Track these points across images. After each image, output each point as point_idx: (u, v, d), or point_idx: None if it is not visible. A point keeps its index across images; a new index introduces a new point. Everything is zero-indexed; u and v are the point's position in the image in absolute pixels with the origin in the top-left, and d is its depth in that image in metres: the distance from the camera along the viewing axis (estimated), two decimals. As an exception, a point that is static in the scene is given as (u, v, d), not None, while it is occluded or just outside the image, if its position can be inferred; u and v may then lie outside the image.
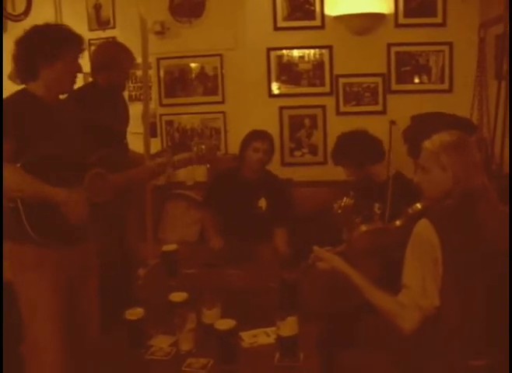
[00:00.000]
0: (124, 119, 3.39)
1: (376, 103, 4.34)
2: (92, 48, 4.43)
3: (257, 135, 3.69)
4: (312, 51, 4.35)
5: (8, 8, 4.61)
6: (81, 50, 2.37)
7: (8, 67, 4.22)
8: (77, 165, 2.33)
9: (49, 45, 2.24)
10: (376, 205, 3.12)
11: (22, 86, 2.37)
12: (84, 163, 2.36)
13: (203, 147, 3.03)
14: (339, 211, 2.89)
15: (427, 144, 1.98)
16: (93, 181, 2.34)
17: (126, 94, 3.63)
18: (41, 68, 2.26)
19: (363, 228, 2.41)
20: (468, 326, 1.84)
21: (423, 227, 1.85)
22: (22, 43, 2.28)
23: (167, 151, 3.57)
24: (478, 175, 1.92)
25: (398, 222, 2.26)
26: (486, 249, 1.85)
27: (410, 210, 2.19)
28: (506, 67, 3.67)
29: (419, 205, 2.17)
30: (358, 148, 3.33)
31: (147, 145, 3.25)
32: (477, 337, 1.84)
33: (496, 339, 1.84)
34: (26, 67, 2.29)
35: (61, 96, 2.53)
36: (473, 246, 1.84)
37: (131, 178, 2.67)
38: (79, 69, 2.39)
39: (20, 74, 2.33)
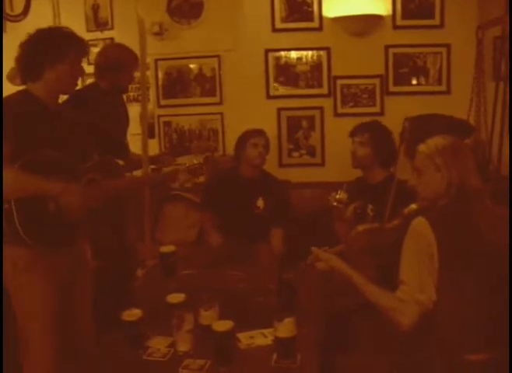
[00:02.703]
0: (125, 122, 3.39)
1: (374, 105, 4.34)
2: (91, 49, 4.43)
3: (253, 132, 3.76)
4: (310, 53, 4.35)
5: (7, 8, 4.61)
6: (84, 54, 2.42)
7: (6, 67, 4.23)
8: (73, 169, 2.33)
9: (54, 47, 2.29)
10: (370, 206, 3.12)
11: (21, 87, 2.38)
12: (80, 168, 2.36)
13: (195, 161, 3.06)
14: (334, 204, 2.89)
15: (422, 147, 2.04)
16: (88, 187, 2.35)
17: (124, 95, 3.62)
18: (45, 69, 2.30)
19: (360, 227, 2.43)
20: (464, 321, 1.86)
21: (419, 223, 1.89)
22: (26, 45, 2.31)
23: (167, 155, 3.59)
24: (472, 177, 1.98)
25: (394, 222, 2.29)
26: (480, 247, 1.88)
27: (406, 211, 2.23)
28: (504, 68, 3.68)
29: (414, 206, 2.21)
30: (390, 141, 3.30)
31: (145, 146, 3.24)
32: (473, 332, 1.86)
33: (493, 334, 1.86)
34: (30, 68, 2.32)
35: (60, 99, 2.55)
36: (467, 244, 1.88)
37: (125, 186, 2.68)
38: (82, 72, 2.44)
39: (23, 75, 2.35)
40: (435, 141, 2.02)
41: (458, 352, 1.85)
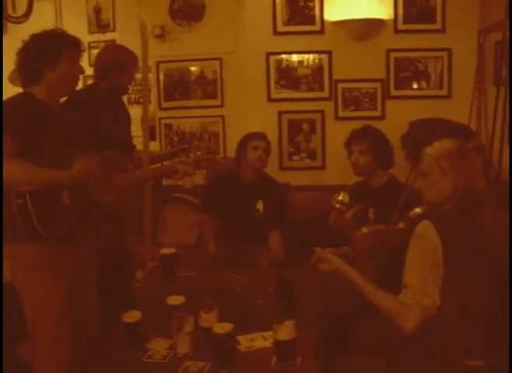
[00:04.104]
0: (125, 122, 3.38)
1: (375, 109, 4.34)
2: (92, 51, 4.44)
3: (254, 135, 3.74)
4: (311, 56, 4.35)
5: (9, 10, 4.62)
6: (80, 52, 2.45)
7: (7, 68, 4.23)
8: None
9: (51, 49, 2.32)
10: (371, 210, 3.11)
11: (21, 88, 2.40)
12: None
13: (199, 153, 3.05)
14: (337, 205, 2.89)
15: (428, 150, 2.02)
16: (98, 180, 2.36)
17: (125, 97, 3.62)
18: (45, 72, 2.33)
19: (365, 229, 2.40)
20: (467, 327, 1.85)
21: (425, 227, 1.88)
22: (24, 51, 2.35)
23: (181, 151, 3.58)
24: (478, 180, 1.96)
25: (400, 225, 2.28)
26: (485, 252, 1.87)
27: (411, 214, 2.22)
28: (504, 73, 3.69)
29: (418, 210, 2.19)
30: (387, 143, 3.31)
31: (146, 148, 3.24)
32: (475, 338, 1.85)
33: (495, 341, 1.85)
34: (30, 73, 2.35)
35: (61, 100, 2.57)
36: (473, 248, 1.86)
37: (130, 180, 2.69)
38: (81, 71, 2.47)
39: (24, 80, 2.37)
40: (441, 144, 2.00)
41: (460, 357, 1.84)
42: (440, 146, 2.00)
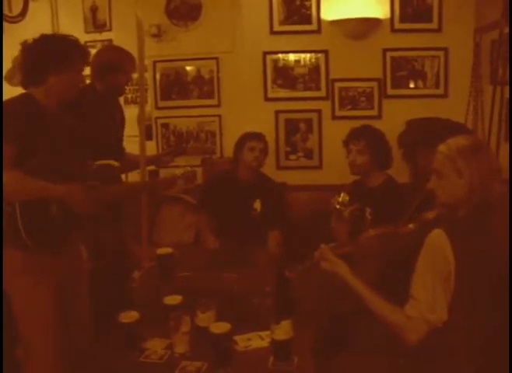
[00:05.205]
0: (120, 124, 3.39)
1: (372, 108, 4.34)
2: (89, 50, 4.44)
3: (251, 135, 3.73)
4: (308, 55, 4.35)
5: (5, 9, 4.60)
6: (87, 64, 2.46)
7: (4, 68, 4.22)
8: (73, 175, 2.33)
9: (61, 54, 2.30)
10: (368, 210, 3.11)
11: (18, 88, 2.38)
12: (80, 174, 2.36)
13: (189, 168, 3.08)
14: (337, 206, 2.88)
15: (442, 148, 1.87)
16: (86, 193, 2.34)
17: (122, 97, 3.61)
18: (50, 76, 2.30)
19: (372, 232, 2.32)
20: (473, 342, 1.78)
21: (438, 238, 1.77)
22: (32, 49, 2.32)
23: (166, 156, 3.60)
24: (496, 182, 1.81)
25: (409, 226, 2.16)
26: (499, 265, 1.78)
27: (423, 217, 2.10)
28: (501, 72, 3.69)
29: (431, 214, 2.07)
30: (385, 144, 3.29)
31: (142, 148, 3.24)
32: (480, 352, 1.79)
33: (498, 356, 1.79)
34: (34, 73, 2.32)
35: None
36: (487, 262, 1.77)
37: (124, 192, 2.70)
38: (83, 81, 2.49)
39: (26, 80, 2.35)
40: (456, 141, 1.86)
41: (461, 371, 1.80)
42: (453, 143, 1.85)
